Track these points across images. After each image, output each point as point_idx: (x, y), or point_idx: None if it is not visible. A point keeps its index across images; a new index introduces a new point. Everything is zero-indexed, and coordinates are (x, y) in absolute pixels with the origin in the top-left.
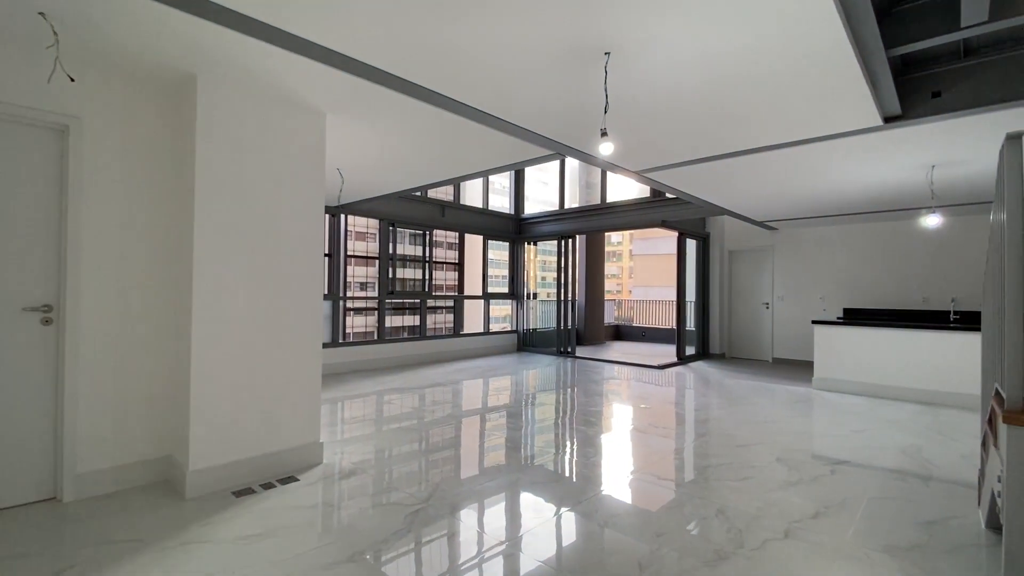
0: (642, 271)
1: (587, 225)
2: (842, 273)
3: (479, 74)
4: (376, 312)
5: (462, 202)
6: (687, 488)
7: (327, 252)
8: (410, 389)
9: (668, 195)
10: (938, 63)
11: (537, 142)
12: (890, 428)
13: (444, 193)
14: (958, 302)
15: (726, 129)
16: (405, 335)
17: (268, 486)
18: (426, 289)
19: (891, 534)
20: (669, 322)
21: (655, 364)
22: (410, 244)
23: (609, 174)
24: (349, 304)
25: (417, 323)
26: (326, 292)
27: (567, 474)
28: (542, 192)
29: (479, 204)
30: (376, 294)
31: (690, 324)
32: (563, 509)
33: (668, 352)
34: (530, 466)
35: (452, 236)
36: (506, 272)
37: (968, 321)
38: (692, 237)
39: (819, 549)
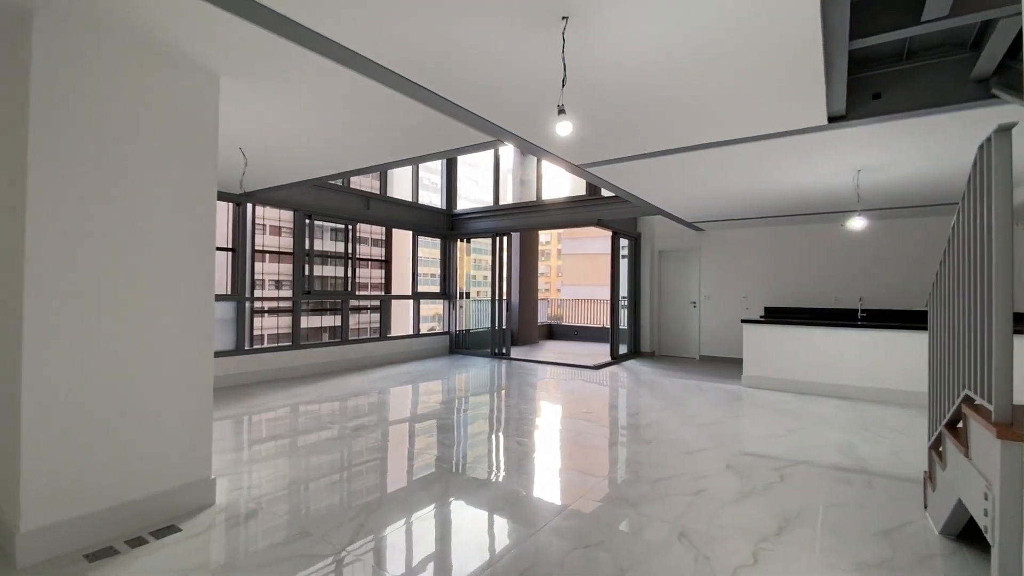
0: (571, 270)
1: (522, 222)
2: (763, 273)
3: (411, 33)
4: (291, 314)
5: (390, 194)
6: (643, 508)
7: (230, 246)
8: (329, 401)
9: (604, 194)
10: (881, 64)
11: (478, 125)
12: (821, 426)
13: (369, 184)
14: (865, 301)
15: (678, 122)
16: (326, 339)
17: (137, 542)
18: (349, 288)
19: (857, 548)
20: (600, 321)
21: (591, 364)
22: (331, 239)
23: (545, 171)
24: (259, 305)
25: (339, 325)
26: (228, 292)
27: (508, 501)
28: (473, 191)
29: (408, 197)
30: (291, 294)
31: (622, 323)
32: (504, 549)
33: (602, 351)
34: (465, 491)
35: (378, 231)
36: (437, 270)
37: (874, 319)
38: (625, 237)
39: (794, 574)
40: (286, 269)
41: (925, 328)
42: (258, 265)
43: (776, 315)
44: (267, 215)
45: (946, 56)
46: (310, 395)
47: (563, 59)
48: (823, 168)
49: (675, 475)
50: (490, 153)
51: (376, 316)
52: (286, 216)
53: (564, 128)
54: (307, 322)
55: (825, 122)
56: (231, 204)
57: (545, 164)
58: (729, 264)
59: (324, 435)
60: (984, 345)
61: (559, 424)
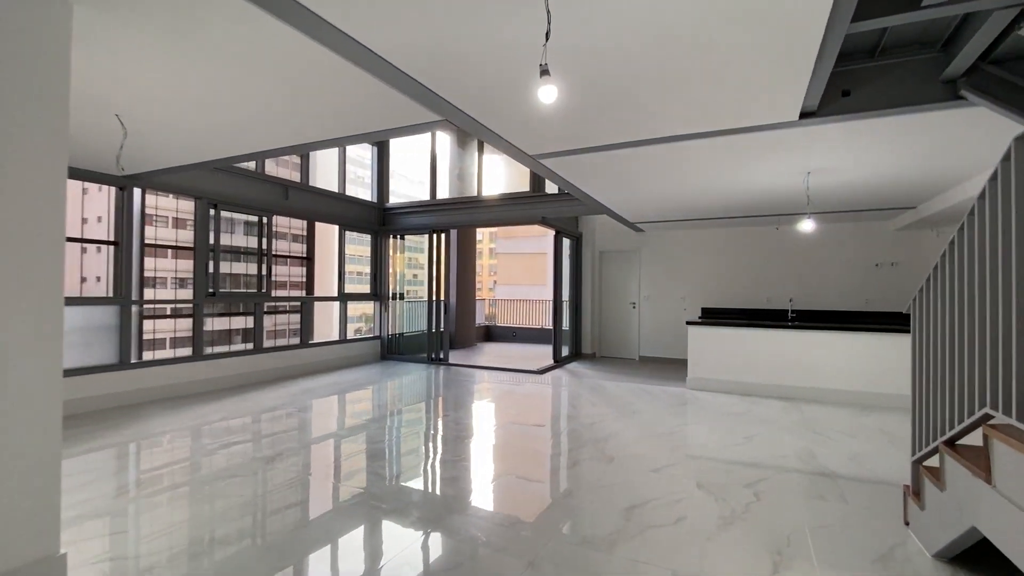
0: (506, 270)
1: (462, 219)
2: (700, 275)
3: None
4: (192, 320)
5: (312, 184)
6: (622, 549)
7: (112, 239)
8: (238, 422)
9: (548, 191)
10: (851, 60)
11: (428, 101)
12: (773, 431)
13: (288, 172)
14: (795, 302)
15: (643, 113)
16: (236, 347)
17: None
18: (263, 289)
19: None
20: (538, 321)
21: (534, 368)
22: (243, 234)
23: (485, 165)
24: (162, 309)
25: (253, 331)
26: (110, 294)
27: (456, 560)
28: (403, 186)
29: (334, 188)
30: (192, 297)
31: (563, 324)
32: None
33: (543, 354)
34: (400, 543)
35: (299, 225)
36: (367, 269)
37: (804, 319)
38: (568, 236)
39: None
40: (187, 266)
41: (858, 329)
42: (150, 261)
43: (713, 316)
44: (163, 204)
45: (914, 55)
46: (215, 415)
47: (547, 6)
48: (778, 168)
49: (648, 500)
50: (425, 145)
51: (297, 320)
52: (187, 206)
53: (548, 94)
54: (213, 328)
55: (796, 118)
56: (114, 188)
57: (485, 158)
58: (668, 266)
59: (230, 468)
60: (1018, 361)
61: (510, 442)
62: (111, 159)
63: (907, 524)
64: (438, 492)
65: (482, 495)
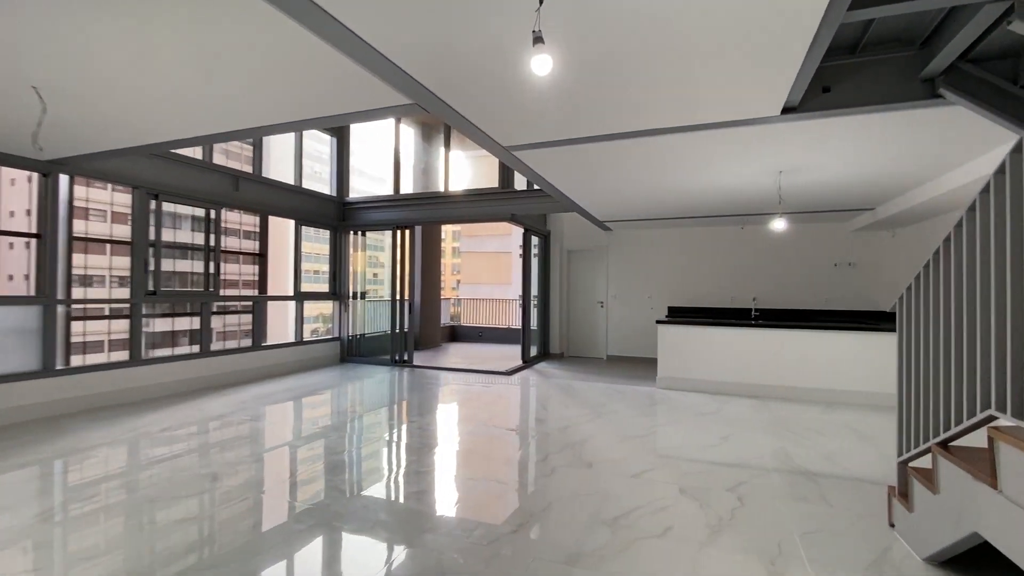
0: (470, 269)
1: (427, 215)
2: (667, 274)
3: None
4: (130, 322)
5: (266, 175)
6: (610, 566)
7: (34, 231)
8: (181, 435)
9: (517, 187)
10: (832, 55)
11: (395, 81)
12: (746, 430)
13: (240, 161)
14: (758, 300)
15: (626, 103)
16: (182, 352)
17: None
18: (211, 288)
19: None
20: (503, 321)
21: (503, 369)
22: (189, 228)
23: (451, 160)
24: (89, 310)
25: (200, 334)
26: (31, 292)
27: None
28: (366, 185)
29: (290, 180)
30: (129, 296)
31: (532, 324)
32: None
33: (511, 354)
34: (370, 572)
35: (251, 220)
36: (326, 267)
37: (767, 318)
38: (536, 234)
39: None
40: (125, 263)
41: (824, 327)
42: (80, 258)
43: (679, 315)
44: (97, 196)
45: (894, 52)
46: (155, 426)
47: None
48: (751, 166)
49: (632, 509)
50: (387, 138)
51: (249, 321)
52: (125, 198)
53: (542, 64)
54: (155, 330)
55: (778, 113)
56: (35, 175)
57: (452, 154)
58: (635, 265)
59: (171, 486)
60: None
61: (481, 449)
62: (21, 140)
63: (892, 526)
64: (406, 507)
65: (454, 509)
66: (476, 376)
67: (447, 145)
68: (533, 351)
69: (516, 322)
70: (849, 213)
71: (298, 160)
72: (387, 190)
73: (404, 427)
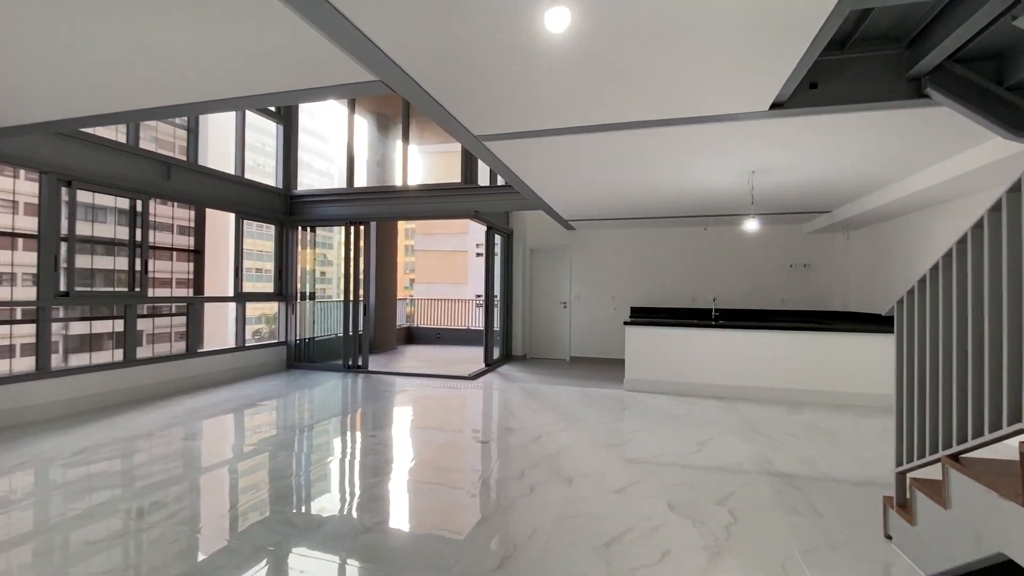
0: (424, 268)
1: (383, 210)
2: (630, 274)
3: None
4: (36, 327)
5: (203, 163)
6: None
7: None
8: (97, 456)
9: (481, 182)
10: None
11: (359, 53)
12: (720, 434)
13: (171, 146)
14: (718, 301)
15: (611, 92)
16: (103, 360)
17: None
18: (137, 287)
19: None
20: (461, 321)
21: (465, 374)
22: (113, 220)
23: (410, 152)
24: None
25: (127, 341)
26: None
27: None
28: (312, 181)
29: (230, 170)
30: (35, 298)
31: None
32: None
33: (472, 357)
34: None
35: (185, 213)
36: (271, 265)
37: (727, 318)
38: (499, 233)
39: None
40: (30, 259)
41: (788, 328)
42: None
43: (642, 315)
44: None
45: (880, 50)
46: (67, 449)
47: None
48: (725, 164)
49: (623, 532)
50: (340, 128)
51: (183, 324)
52: (29, 186)
53: (558, 19)
54: (68, 335)
55: (767, 108)
56: None
57: (410, 146)
58: (599, 264)
59: (85, 526)
60: None
61: (452, 466)
62: None
63: (889, 538)
64: (367, 543)
65: (427, 543)
66: (437, 381)
67: (405, 138)
68: (496, 353)
69: (474, 323)
70: (806, 215)
71: (240, 147)
72: (339, 183)
73: (360, 443)
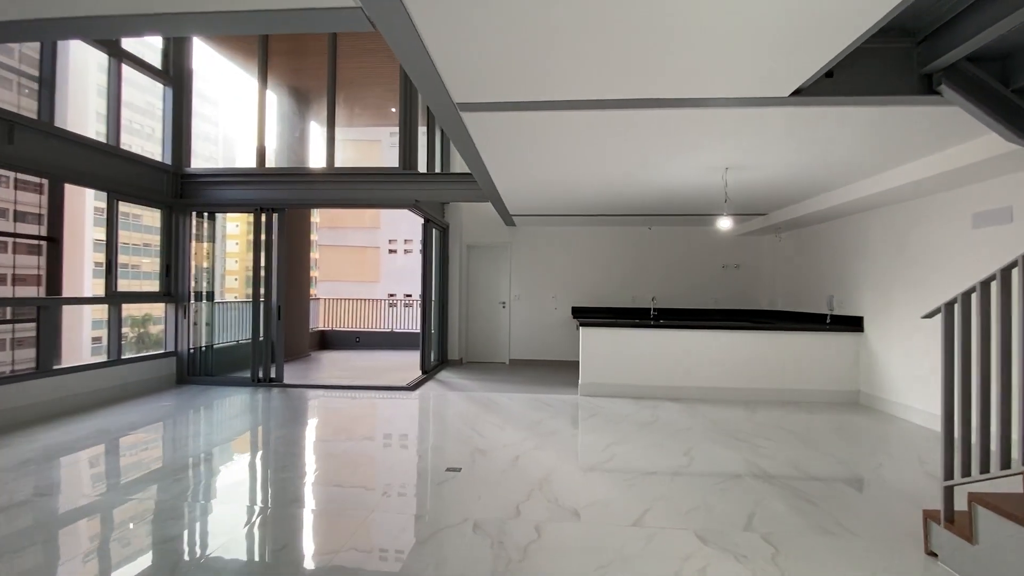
0: (328, 264)
1: (304, 196)
2: (570, 273)
3: None
4: None
5: (61, 125)
6: None
7: None
8: None
9: (421, 169)
10: None
11: None
12: (698, 441)
13: (14, 98)
14: (657, 300)
15: (629, 59)
16: None
17: None
18: None
19: None
20: (375, 324)
21: (402, 384)
22: None
23: (338, 130)
24: None
25: None
26: None
27: None
28: (213, 159)
29: (100, 136)
30: None
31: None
32: None
33: (403, 363)
34: None
35: (33, 191)
36: (156, 259)
37: (665, 317)
38: (436, 226)
39: None
40: None
41: (741, 328)
42: None
43: (583, 314)
44: None
45: (892, 42)
46: None
47: None
48: (704, 158)
49: None
50: (246, 100)
51: (32, 332)
52: None
53: None
54: None
55: (787, 95)
56: None
57: (339, 122)
58: (539, 263)
59: None
60: None
61: (431, 509)
62: None
63: (933, 555)
64: None
65: None
66: (371, 394)
67: (331, 113)
68: (431, 358)
69: (391, 324)
70: (745, 217)
71: (114, 106)
72: (247, 163)
73: (285, 486)
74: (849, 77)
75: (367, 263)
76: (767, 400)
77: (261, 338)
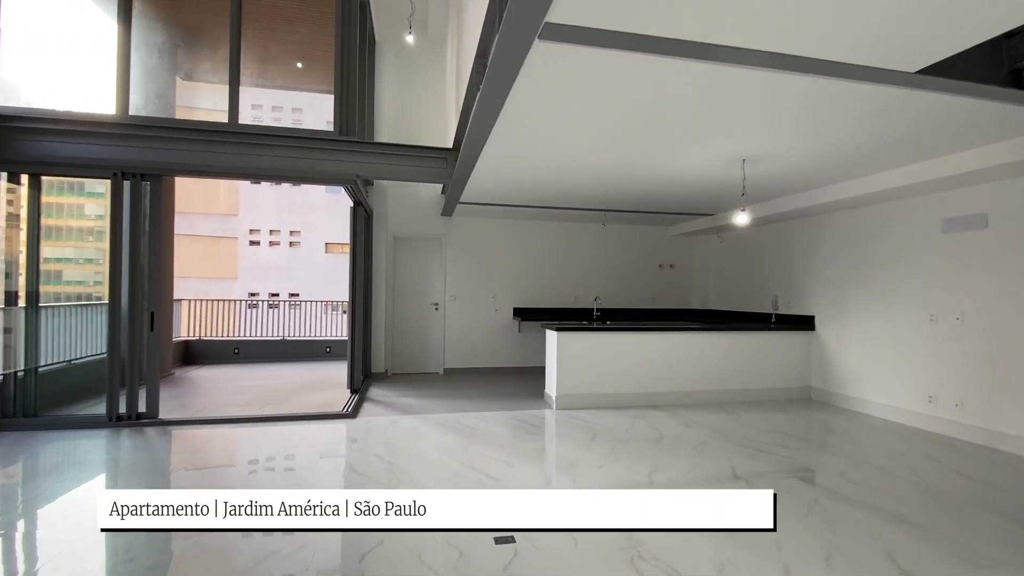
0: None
1: (193, 161)
2: (510, 271)
3: None
4: None
5: None
6: None
7: None
8: None
9: (365, 139)
10: None
11: None
12: (716, 453)
13: None
14: (600, 300)
15: None
16: None
17: None
18: None
19: None
20: (254, 330)
21: (334, 410)
22: None
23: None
24: None
25: None
26: None
27: None
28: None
29: None
30: None
31: (343, 333)
32: None
33: (312, 380)
34: None
35: None
36: None
37: (608, 318)
38: (366, 211)
39: None
40: None
41: (710, 329)
42: None
43: (526, 315)
44: None
45: None
46: None
47: None
48: (726, 147)
49: None
50: (101, 29)
51: None
52: None
53: None
54: None
55: (914, 71)
56: None
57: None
58: (478, 258)
59: None
60: None
61: None
62: None
63: None
64: None
65: None
66: (301, 428)
67: (235, 47)
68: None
69: (257, 331)
70: (674, 216)
71: None
72: (92, 105)
73: None
74: (946, 63)
75: (221, 256)
76: (735, 401)
77: (124, 354)
